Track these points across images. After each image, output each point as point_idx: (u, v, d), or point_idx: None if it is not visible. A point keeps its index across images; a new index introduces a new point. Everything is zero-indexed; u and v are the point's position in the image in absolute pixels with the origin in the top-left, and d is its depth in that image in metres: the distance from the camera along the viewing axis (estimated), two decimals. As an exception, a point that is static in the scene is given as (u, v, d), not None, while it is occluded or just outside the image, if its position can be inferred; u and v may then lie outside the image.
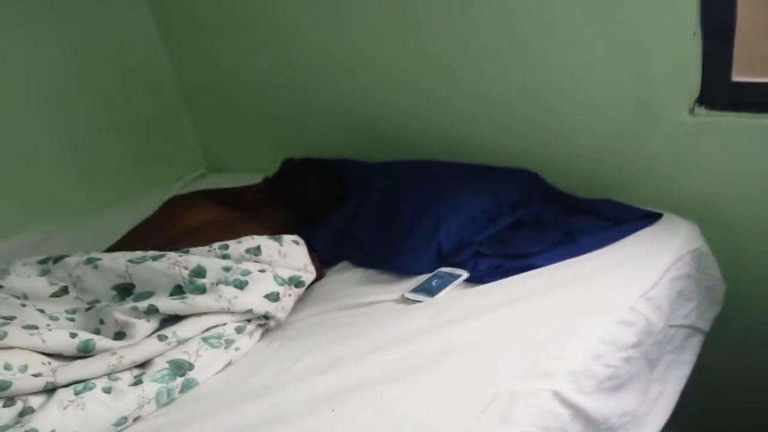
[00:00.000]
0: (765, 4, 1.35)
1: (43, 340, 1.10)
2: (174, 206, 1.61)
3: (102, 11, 1.96)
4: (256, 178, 1.94)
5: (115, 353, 1.10)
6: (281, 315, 1.27)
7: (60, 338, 1.12)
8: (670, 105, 1.42)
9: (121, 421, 1.03)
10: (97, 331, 1.18)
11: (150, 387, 1.07)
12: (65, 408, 1.00)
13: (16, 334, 1.08)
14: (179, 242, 1.42)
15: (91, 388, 1.04)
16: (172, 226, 1.51)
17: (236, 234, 1.42)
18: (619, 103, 1.47)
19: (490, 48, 1.58)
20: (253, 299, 1.24)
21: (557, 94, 1.54)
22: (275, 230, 1.47)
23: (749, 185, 1.40)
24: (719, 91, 1.38)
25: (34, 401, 1.02)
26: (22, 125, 1.82)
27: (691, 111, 1.40)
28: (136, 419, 1.05)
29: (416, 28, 1.66)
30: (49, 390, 1.04)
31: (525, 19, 1.50)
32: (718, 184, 1.43)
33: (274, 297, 1.26)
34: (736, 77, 1.38)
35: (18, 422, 0.98)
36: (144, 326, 1.16)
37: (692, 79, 1.38)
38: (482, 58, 1.60)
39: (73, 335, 1.12)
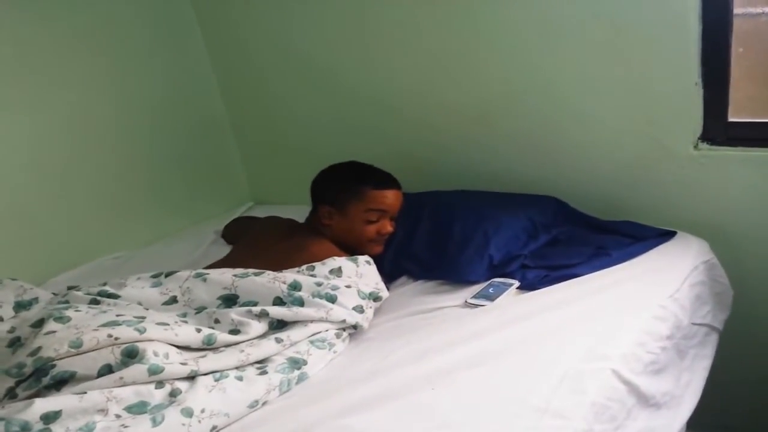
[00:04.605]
0: (746, 54, 1.62)
1: (176, 334, 1.26)
2: (251, 228, 1.81)
3: (170, 58, 2.18)
4: (299, 210, 2.14)
5: (242, 350, 1.28)
6: (365, 324, 1.46)
7: (188, 332, 1.28)
8: (678, 141, 1.67)
9: (254, 404, 1.20)
10: (211, 329, 1.34)
11: (275, 377, 1.24)
12: (210, 391, 1.17)
13: (152, 329, 1.24)
14: (259, 258, 1.61)
15: (226, 376, 1.21)
16: (252, 247, 1.71)
17: (308, 251, 1.62)
18: (634, 139, 1.72)
19: (522, 96, 1.82)
20: (345, 311, 1.42)
21: (580, 132, 1.78)
22: (341, 247, 1.68)
23: (746, 206, 1.66)
24: (718, 129, 1.65)
25: (180, 385, 1.19)
26: (95, 166, 2.00)
27: (696, 146, 1.67)
28: (264, 403, 1.22)
29: (456, 79, 1.90)
30: (191, 377, 1.21)
31: (554, 72, 1.76)
32: (719, 206, 1.68)
33: (359, 309, 1.45)
34: (732, 118, 1.65)
35: (172, 401, 1.14)
36: (256, 326, 1.34)
37: (695, 120, 1.65)
38: (514, 104, 1.84)
39: (198, 330, 1.30)
